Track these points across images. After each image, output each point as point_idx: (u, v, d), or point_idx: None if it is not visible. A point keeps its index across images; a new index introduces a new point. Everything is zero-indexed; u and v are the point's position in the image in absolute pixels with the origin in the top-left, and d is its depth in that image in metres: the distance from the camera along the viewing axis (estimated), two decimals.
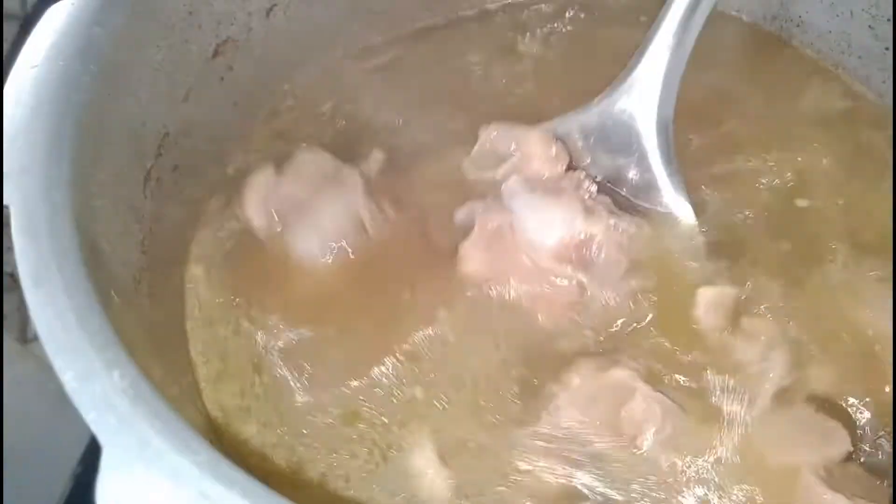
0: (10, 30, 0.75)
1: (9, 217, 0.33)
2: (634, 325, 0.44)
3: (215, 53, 0.49)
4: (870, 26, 0.52)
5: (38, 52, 0.38)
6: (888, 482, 0.39)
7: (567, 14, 0.60)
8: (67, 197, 0.35)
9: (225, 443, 0.42)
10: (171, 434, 0.28)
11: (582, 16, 0.60)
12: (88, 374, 0.29)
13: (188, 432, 0.29)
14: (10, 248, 0.32)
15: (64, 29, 0.39)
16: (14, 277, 0.32)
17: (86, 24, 0.39)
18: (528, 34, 0.59)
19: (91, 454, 0.54)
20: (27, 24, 0.45)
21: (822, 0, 0.54)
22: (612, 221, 0.45)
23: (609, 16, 0.60)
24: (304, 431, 0.42)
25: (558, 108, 0.50)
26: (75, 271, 0.32)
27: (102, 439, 0.28)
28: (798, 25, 0.57)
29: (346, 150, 0.51)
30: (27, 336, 0.67)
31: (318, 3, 0.54)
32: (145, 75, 0.43)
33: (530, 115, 0.51)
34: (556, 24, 0.59)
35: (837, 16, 0.54)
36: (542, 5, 0.60)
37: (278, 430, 0.42)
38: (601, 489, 0.39)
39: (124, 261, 0.40)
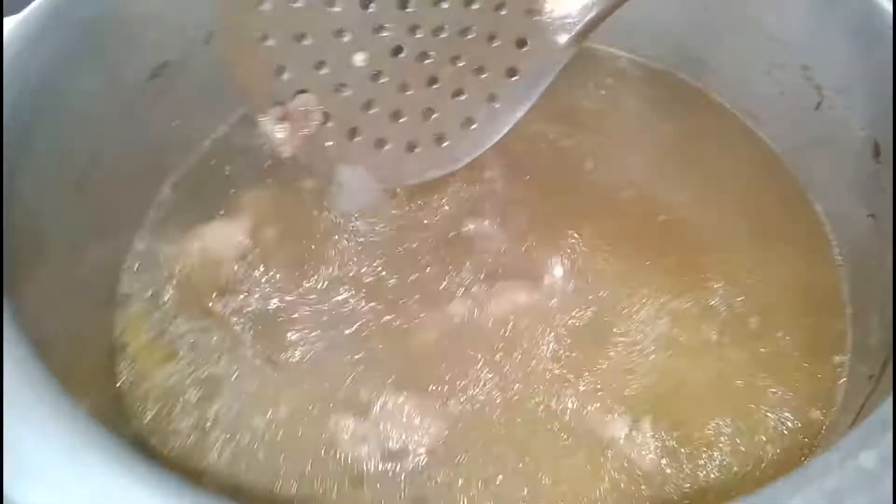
0: None
1: None
2: None
3: (153, 75, 0.52)
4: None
5: None
6: None
7: None
8: None
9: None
10: (51, 402, 0.31)
11: None
12: None
13: (65, 397, 0.32)
14: None
15: None
16: None
17: (17, 50, 0.43)
18: None
19: None
20: None
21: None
22: None
23: None
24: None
25: None
26: None
27: None
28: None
29: (287, 170, 0.54)
30: None
31: None
32: (77, 97, 0.46)
33: None
34: None
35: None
36: None
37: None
38: None
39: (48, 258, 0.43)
